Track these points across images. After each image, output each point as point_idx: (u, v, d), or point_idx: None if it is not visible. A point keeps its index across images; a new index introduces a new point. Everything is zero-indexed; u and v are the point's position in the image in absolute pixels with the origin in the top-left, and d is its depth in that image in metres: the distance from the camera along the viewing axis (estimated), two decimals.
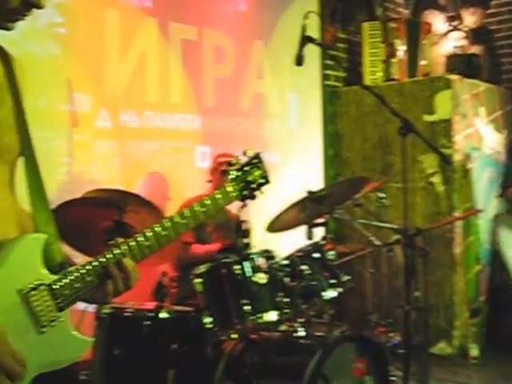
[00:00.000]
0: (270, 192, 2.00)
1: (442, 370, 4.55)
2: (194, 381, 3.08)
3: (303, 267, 3.12)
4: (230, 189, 1.82)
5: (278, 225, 3.42)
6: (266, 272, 2.95)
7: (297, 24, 3.39)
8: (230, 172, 1.87)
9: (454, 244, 5.09)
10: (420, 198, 5.21)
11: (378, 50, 5.65)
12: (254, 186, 1.89)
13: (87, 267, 1.52)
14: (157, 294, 3.11)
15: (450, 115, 5.15)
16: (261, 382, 3.01)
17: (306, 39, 3.27)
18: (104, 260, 1.54)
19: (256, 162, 1.91)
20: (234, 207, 3.13)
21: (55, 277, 1.48)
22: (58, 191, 3.70)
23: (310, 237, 3.28)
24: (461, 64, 5.75)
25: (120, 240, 1.59)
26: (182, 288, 3.46)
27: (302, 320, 3.11)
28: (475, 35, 6.41)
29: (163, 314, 3.02)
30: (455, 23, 6.41)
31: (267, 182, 1.93)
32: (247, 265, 2.93)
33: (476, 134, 5.44)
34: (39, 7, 1.52)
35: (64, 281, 1.49)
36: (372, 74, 5.67)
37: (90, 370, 3.01)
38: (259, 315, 2.87)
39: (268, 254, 3.02)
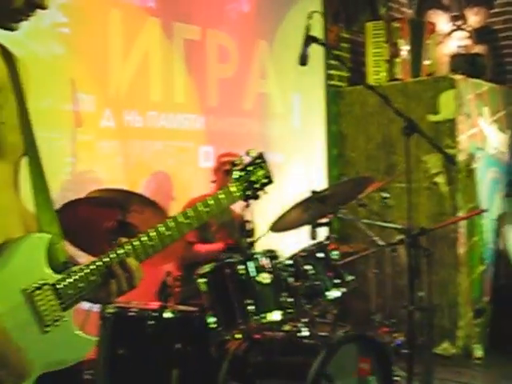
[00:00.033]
0: (274, 192, 2.00)
1: (445, 371, 4.55)
2: (198, 380, 3.08)
3: (307, 267, 3.12)
4: (233, 189, 1.82)
5: (281, 225, 3.42)
6: (269, 272, 2.95)
7: (300, 24, 3.39)
8: (234, 172, 1.87)
9: (458, 244, 5.09)
10: (424, 198, 5.21)
11: (382, 50, 5.65)
12: (257, 185, 1.89)
13: (91, 267, 1.52)
14: (161, 294, 3.11)
15: (454, 115, 5.14)
16: (264, 381, 3.01)
17: (310, 39, 3.27)
18: (108, 260, 1.54)
19: (259, 161, 1.92)
20: (238, 207, 3.13)
21: (59, 276, 1.49)
22: (61, 191, 3.70)
23: (313, 237, 3.28)
24: (465, 64, 5.74)
25: (123, 240, 1.59)
26: (185, 287, 3.46)
27: (306, 320, 3.11)
28: (479, 35, 6.40)
29: (167, 314, 3.02)
30: (459, 23, 6.40)
31: (270, 181, 1.93)
32: (251, 265, 2.93)
33: (480, 133, 5.43)
34: (43, 7, 1.52)
35: (68, 280, 1.49)
36: (376, 73, 5.66)
37: (94, 369, 3.01)
38: (263, 315, 2.87)
39: (272, 254, 3.02)
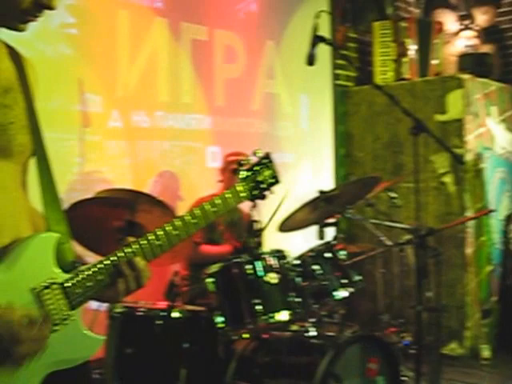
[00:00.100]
0: (282, 192, 2.00)
1: (453, 371, 4.54)
2: (206, 380, 3.09)
3: (315, 267, 3.12)
4: (240, 188, 1.83)
5: (289, 224, 3.42)
6: (277, 272, 2.95)
7: (307, 24, 3.39)
8: (241, 172, 1.87)
9: (466, 244, 5.07)
10: (432, 198, 5.20)
11: (389, 50, 5.64)
12: (264, 185, 1.90)
13: (99, 266, 1.53)
14: (169, 294, 3.11)
15: (462, 115, 5.13)
16: (272, 381, 3.01)
17: (317, 39, 3.27)
18: (115, 259, 1.54)
19: (266, 161, 1.92)
20: (246, 206, 3.13)
21: (67, 275, 1.49)
22: (69, 191, 3.72)
23: (321, 237, 3.28)
24: (472, 63, 5.72)
25: (131, 239, 1.59)
26: (193, 287, 3.47)
27: (314, 320, 3.11)
28: (487, 34, 6.38)
29: (175, 314, 3.03)
30: (466, 22, 6.38)
31: (277, 181, 1.94)
32: (259, 264, 2.93)
33: (488, 133, 5.42)
34: (51, 8, 1.52)
35: (76, 279, 1.49)
36: (383, 73, 5.66)
37: (102, 368, 3.02)
38: (271, 315, 2.87)
39: (279, 254, 3.03)
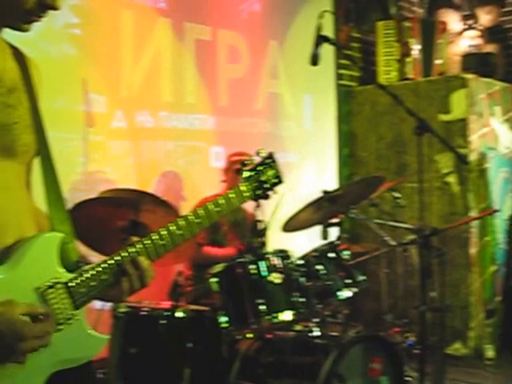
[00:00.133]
0: (286, 192, 2.00)
1: (457, 371, 4.53)
2: (210, 380, 3.09)
3: (318, 267, 3.12)
4: (243, 188, 1.83)
5: (293, 224, 3.42)
6: (281, 272, 2.95)
7: (311, 24, 3.39)
8: (244, 172, 1.87)
9: (470, 244, 5.07)
10: (435, 198, 5.19)
11: (393, 50, 5.64)
12: (267, 185, 1.90)
13: (103, 265, 1.53)
14: (173, 293, 3.12)
15: (466, 114, 5.12)
16: (276, 381, 3.01)
17: (321, 38, 3.27)
18: (119, 258, 1.55)
19: (269, 161, 1.92)
20: (249, 206, 3.13)
21: (71, 275, 1.49)
22: (73, 191, 3.72)
23: (325, 236, 3.28)
24: (476, 63, 5.71)
25: (135, 239, 1.60)
26: (197, 287, 3.47)
27: (317, 320, 3.11)
28: (490, 34, 6.38)
29: (179, 313, 3.03)
30: (470, 22, 6.38)
31: (280, 181, 1.93)
32: (263, 264, 2.93)
33: (491, 133, 5.41)
34: (55, 8, 1.53)
35: (80, 279, 1.49)
36: (386, 73, 5.65)
37: (106, 368, 3.03)
38: (274, 315, 2.87)
39: (283, 254, 3.03)
